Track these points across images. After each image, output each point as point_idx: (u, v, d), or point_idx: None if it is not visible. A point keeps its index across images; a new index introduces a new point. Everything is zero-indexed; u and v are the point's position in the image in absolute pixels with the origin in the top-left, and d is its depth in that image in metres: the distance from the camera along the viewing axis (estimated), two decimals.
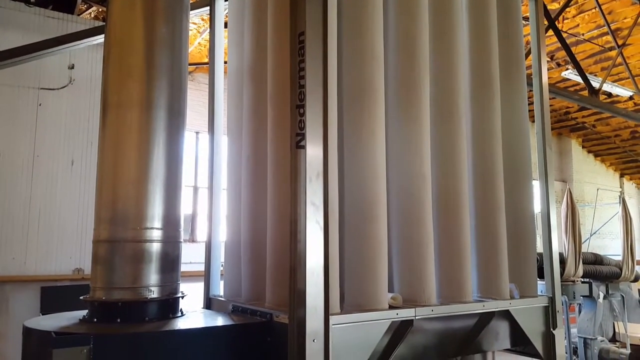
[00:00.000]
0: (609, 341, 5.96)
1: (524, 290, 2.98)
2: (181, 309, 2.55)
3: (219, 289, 3.00)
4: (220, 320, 2.37)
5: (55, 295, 5.21)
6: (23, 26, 5.27)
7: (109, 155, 2.46)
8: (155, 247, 2.42)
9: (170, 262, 2.47)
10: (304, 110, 2.11)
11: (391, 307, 2.39)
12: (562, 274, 6.02)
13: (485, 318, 2.70)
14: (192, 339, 2.11)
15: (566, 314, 5.98)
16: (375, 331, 2.23)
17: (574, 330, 5.97)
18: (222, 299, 2.83)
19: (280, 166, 2.43)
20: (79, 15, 5.94)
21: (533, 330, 2.86)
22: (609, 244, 15.86)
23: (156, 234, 2.43)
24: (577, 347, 5.90)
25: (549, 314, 2.94)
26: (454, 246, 2.67)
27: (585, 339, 5.88)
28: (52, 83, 5.47)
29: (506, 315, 2.79)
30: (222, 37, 3.29)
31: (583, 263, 5.97)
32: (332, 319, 2.07)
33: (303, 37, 2.15)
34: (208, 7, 3.32)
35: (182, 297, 2.52)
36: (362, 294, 2.34)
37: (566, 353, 5.96)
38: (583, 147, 16.68)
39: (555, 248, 3.07)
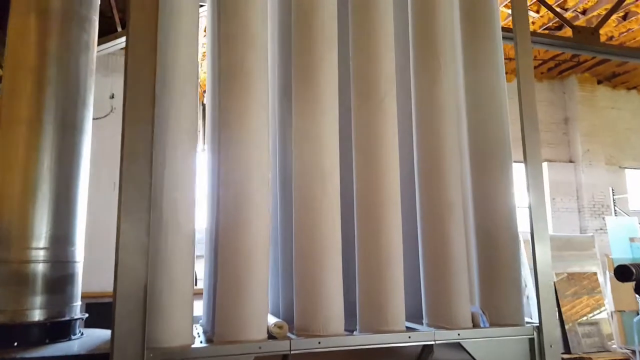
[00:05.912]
0: None
1: (502, 316, 2.23)
2: (80, 332, 2.39)
3: None
4: (79, 348, 2.13)
5: (98, 311, 5.49)
6: None
7: None
8: (40, 268, 2.29)
9: (56, 283, 2.31)
10: None
11: (271, 338, 1.93)
12: None
13: (426, 352, 2.06)
14: None
15: None
16: None
17: None
18: None
19: None
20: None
21: None
22: None
23: (41, 254, 2.30)
24: None
25: (535, 349, 2.15)
26: (374, 260, 2.09)
27: None
28: (95, 112, 5.89)
29: (461, 349, 2.10)
30: None
31: None
32: (152, 354, 1.71)
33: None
34: None
35: (72, 320, 2.34)
36: (230, 321, 1.91)
37: None
38: None
39: (547, 258, 2.25)
